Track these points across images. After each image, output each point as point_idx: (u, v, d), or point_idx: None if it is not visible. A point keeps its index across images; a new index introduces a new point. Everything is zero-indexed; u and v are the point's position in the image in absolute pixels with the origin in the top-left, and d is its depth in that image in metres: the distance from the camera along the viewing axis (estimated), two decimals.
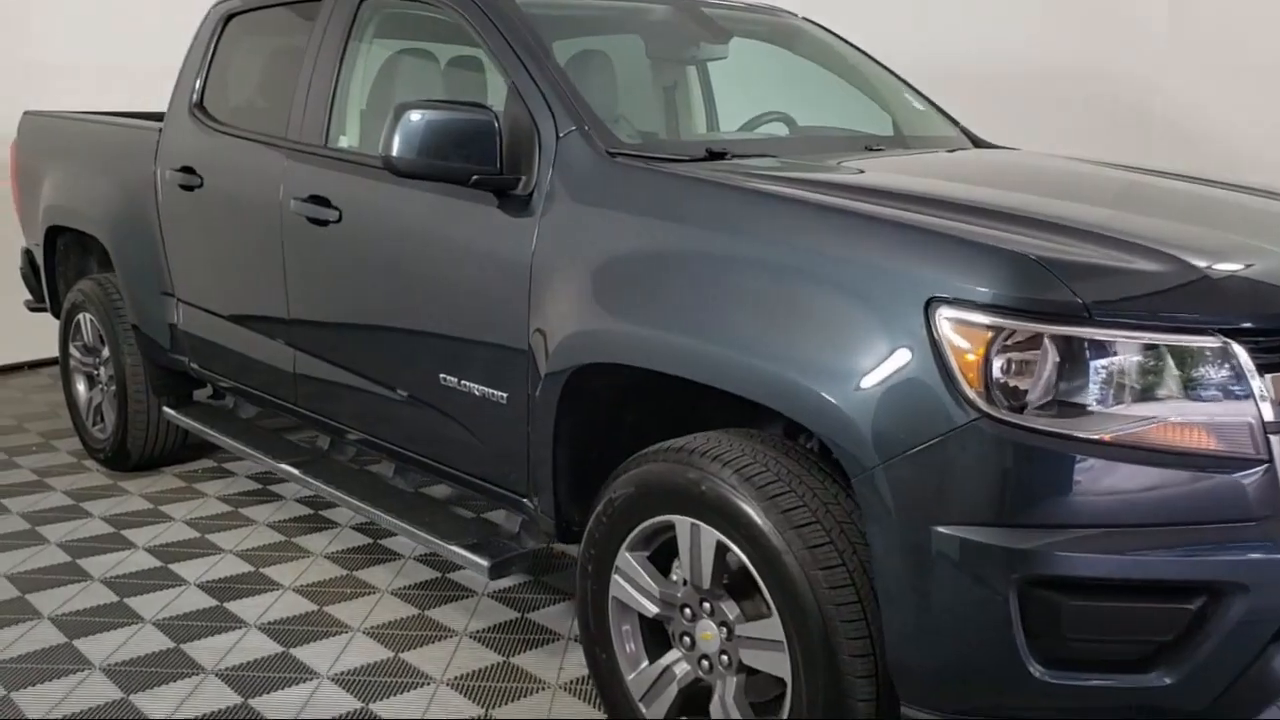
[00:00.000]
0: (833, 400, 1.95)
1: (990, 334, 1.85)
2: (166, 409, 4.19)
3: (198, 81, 3.99)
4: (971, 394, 1.85)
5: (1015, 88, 4.97)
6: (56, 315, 4.87)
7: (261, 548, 3.76)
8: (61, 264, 4.84)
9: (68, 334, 4.68)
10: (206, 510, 4.11)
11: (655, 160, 2.54)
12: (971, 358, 1.85)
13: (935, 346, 1.88)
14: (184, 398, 4.38)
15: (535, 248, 2.58)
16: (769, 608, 2.12)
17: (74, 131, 4.63)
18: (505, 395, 2.72)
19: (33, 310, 5.22)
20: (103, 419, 4.56)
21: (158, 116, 4.18)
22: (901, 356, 1.91)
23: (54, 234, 4.70)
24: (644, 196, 2.43)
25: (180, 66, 4.09)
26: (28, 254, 5.13)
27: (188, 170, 3.83)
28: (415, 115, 2.60)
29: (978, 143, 3.60)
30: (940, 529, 1.86)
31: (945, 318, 1.88)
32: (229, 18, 3.99)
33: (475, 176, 2.62)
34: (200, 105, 3.96)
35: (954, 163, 3.15)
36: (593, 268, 2.45)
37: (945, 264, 1.93)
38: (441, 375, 2.89)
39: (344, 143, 3.37)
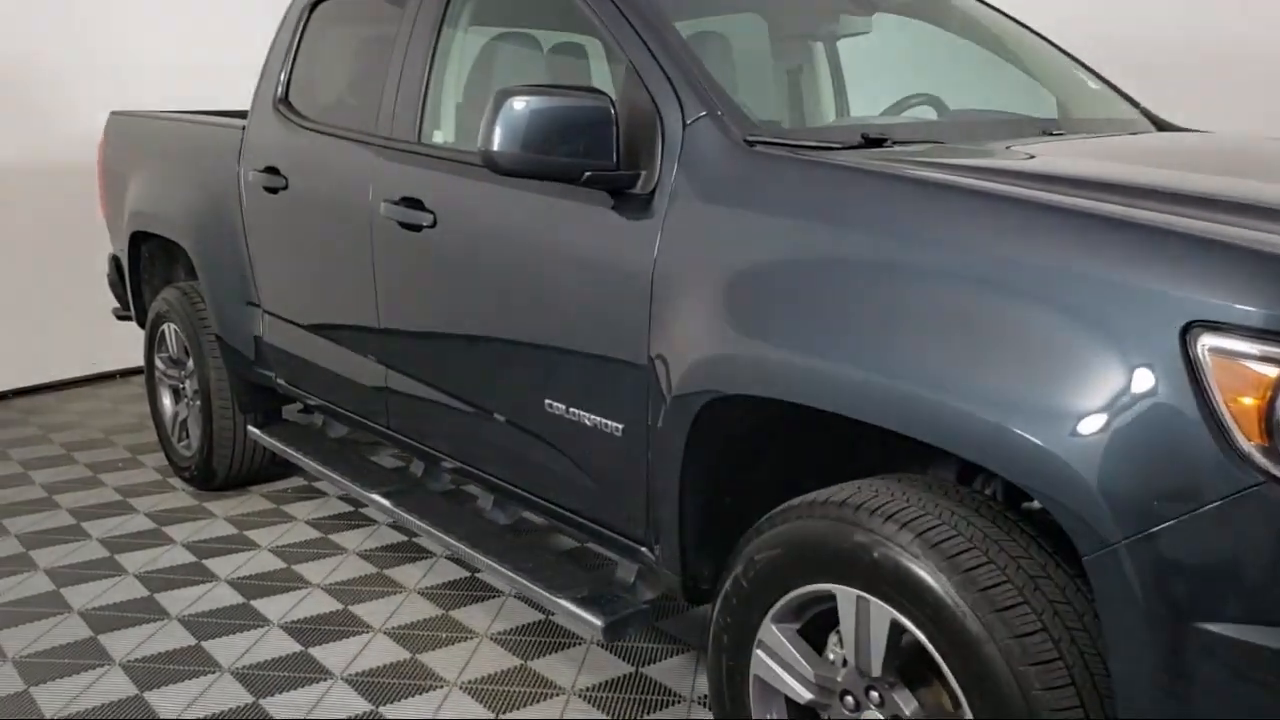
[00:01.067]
0: (1059, 455, 1.52)
1: (1276, 370, 1.40)
2: (252, 428, 3.91)
3: (282, 75, 3.69)
4: (1250, 449, 1.41)
5: (1188, 65, 4.41)
6: (142, 325, 4.65)
7: (350, 581, 3.45)
8: (147, 271, 4.61)
9: (153, 345, 4.45)
10: (294, 536, 3.82)
11: (805, 150, 2.13)
12: (1249, 401, 1.41)
13: (1197, 385, 1.44)
14: (272, 414, 4.10)
15: (657, 256, 2.19)
16: (957, 704, 1.70)
17: (158, 132, 4.39)
18: (620, 426, 2.34)
19: (120, 319, 5.03)
20: (188, 435, 4.31)
21: (244, 114, 3.91)
22: (1151, 398, 1.47)
23: (139, 240, 4.48)
24: (793, 194, 2.02)
25: (264, 59, 3.81)
26: (114, 260, 4.93)
27: (272, 171, 3.54)
28: (518, 103, 2.23)
29: (1161, 125, 3.10)
30: (1209, 627, 1.42)
31: (1210, 348, 1.44)
32: (314, 5, 3.69)
33: (588, 173, 2.24)
34: (285, 100, 3.66)
35: (1155, 148, 2.65)
36: (729, 280, 2.04)
37: (1207, 276, 1.48)
38: (547, 401, 2.53)
39: (438, 139, 3.02)
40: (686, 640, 3.05)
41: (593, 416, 2.40)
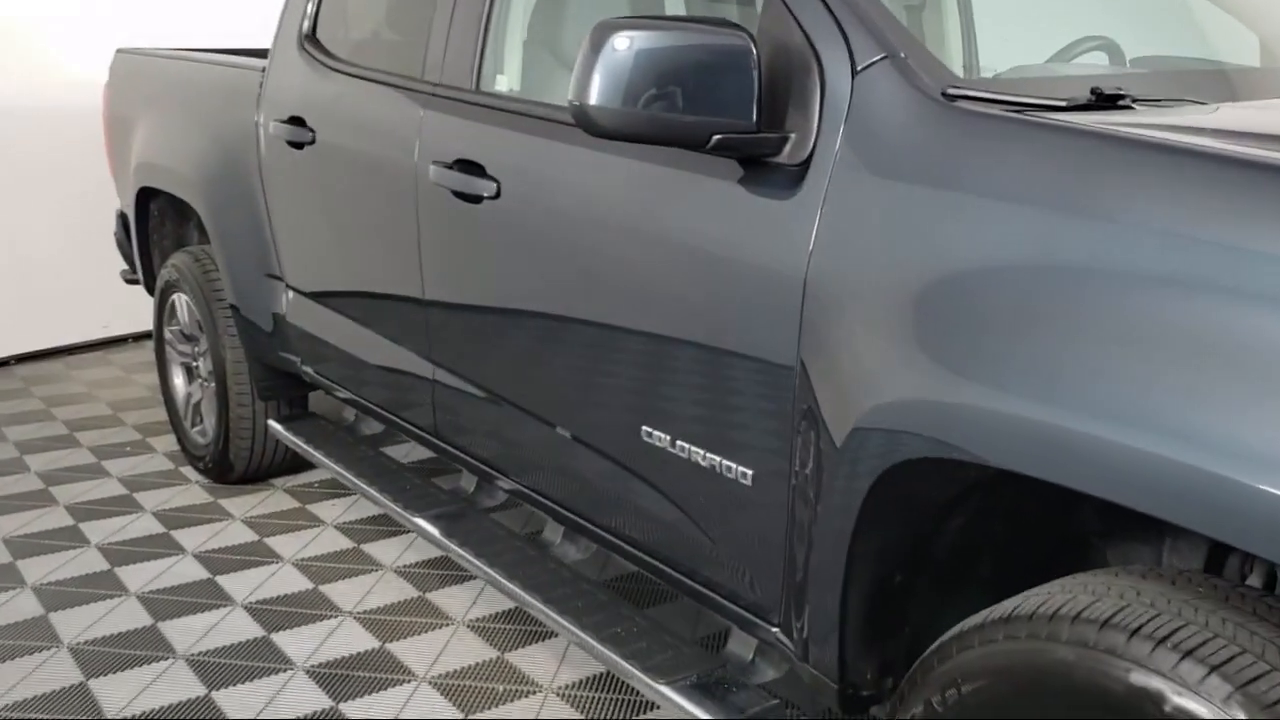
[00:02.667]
0: None
1: None
2: (273, 423, 3.38)
3: (309, 6, 3.11)
4: None
5: None
6: (151, 291, 4.12)
7: (389, 608, 2.93)
8: (156, 232, 4.07)
9: (162, 316, 3.91)
10: (322, 546, 3.30)
11: (1034, 110, 1.53)
12: None
13: None
14: (297, 402, 3.57)
15: (813, 250, 1.61)
16: None
17: (166, 73, 3.82)
18: (750, 473, 1.78)
19: (128, 283, 4.50)
20: (202, 419, 3.80)
21: (262, 54, 3.33)
22: None
23: (146, 196, 3.92)
24: (1029, 171, 1.42)
25: None
26: (122, 218, 4.39)
27: (296, 122, 2.96)
28: (623, 40, 1.64)
29: None
30: None
31: None
32: None
33: (716, 136, 1.66)
34: (312, 38, 3.08)
35: None
36: (928, 291, 1.46)
37: None
38: (645, 428, 1.97)
39: (501, 86, 2.44)
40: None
41: (710, 455, 1.84)
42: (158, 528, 3.44)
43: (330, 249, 2.96)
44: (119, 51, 4.16)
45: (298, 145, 2.95)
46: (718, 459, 1.83)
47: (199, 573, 3.15)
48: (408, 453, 3.85)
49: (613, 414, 2.06)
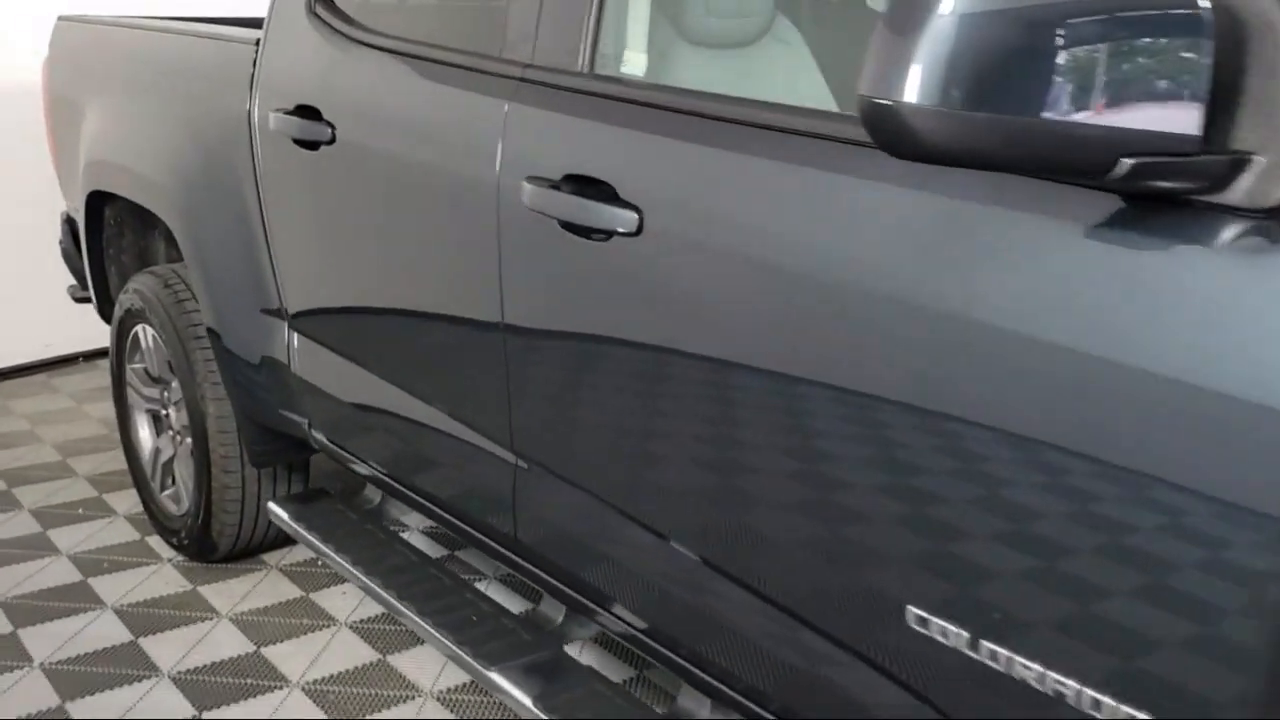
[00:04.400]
0: None
1: None
2: (275, 507, 2.60)
3: None
4: None
5: None
6: (105, 317, 3.34)
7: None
8: (112, 244, 3.28)
9: (121, 351, 3.13)
10: (336, 659, 2.56)
11: None
12: None
13: None
14: (299, 468, 2.82)
15: None
16: None
17: (125, 47, 3.02)
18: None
19: (77, 301, 3.70)
20: (175, 482, 3.03)
21: (256, 23, 2.56)
22: None
23: (99, 200, 3.13)
24: None
25: None
26: (68, 223, 3.59)
27: (308, 113, 2.20)
28: (969, 5, 0.93)
29: None
30: None
31: None
32: None
33: (1131, 162, 0.95)
34: (329, 2, 2.31)
35: None
36: None
37: None
38: (913, 609, 1.26)
39: (630, 69, 1.70)
40: None
41: (1066, 683, 1.13)
42: (121, 633, 2.67)
43: (357, 284, 2.21)
44: (61, 19, 3.35)
45: (310, 144, 2.19)
46: (1093, 695, 1.12)
47: (179, 705, 2.39)
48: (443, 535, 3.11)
49: (849, 580, 1.34)
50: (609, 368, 1.63)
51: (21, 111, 4.08)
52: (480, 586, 2.68)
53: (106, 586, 2.89)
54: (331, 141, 2.13)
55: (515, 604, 2.72)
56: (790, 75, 1.85)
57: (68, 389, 4.46)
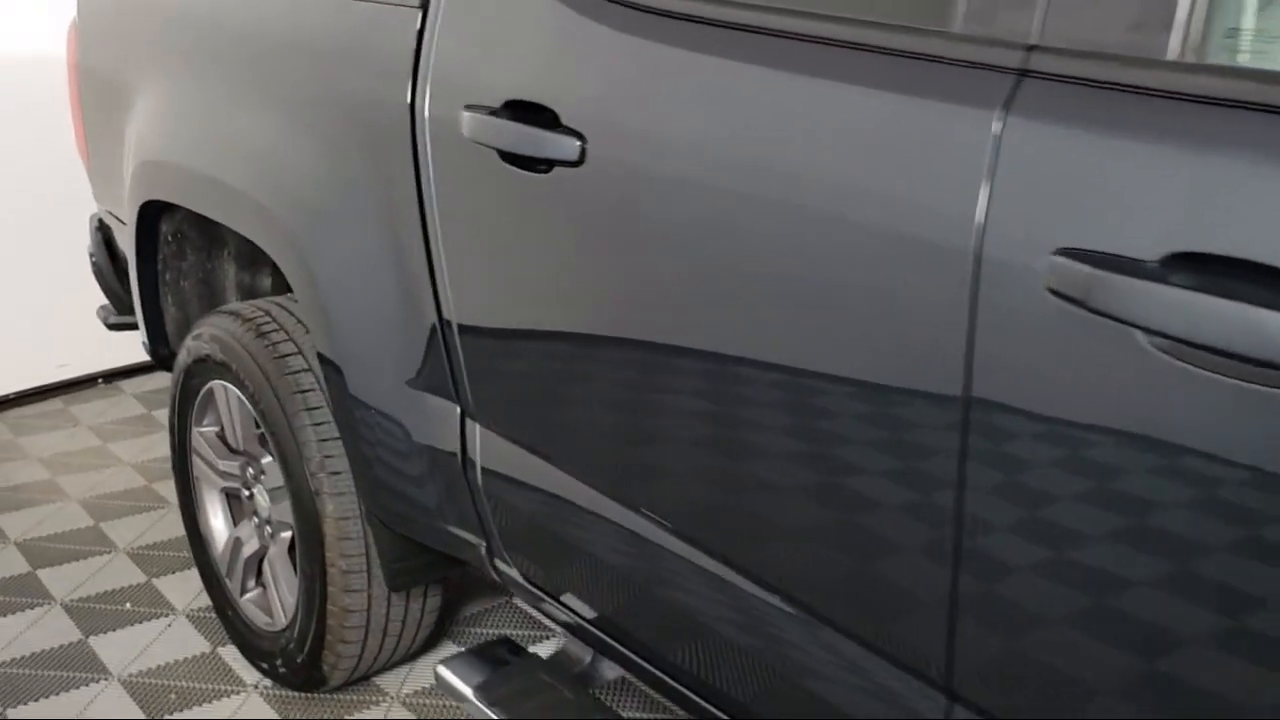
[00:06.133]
0: None
1: None
2: (444, 670, 1.82)
3: None
4: None
5: None
6: (158, 361, 2.59)
7: None
8: (170, 266, 2.51)
9: (187, 412, 2.38)
10: None
11: None
12: None
13: None
14: (450, 590, 2.10)
15: None
16: None
17: (200, 7, 2.23)
18: None
19: (111, 328, 2.95)
20: (261, 585, 2.30)
21: None
22: None
23: (154, 210, 2.37)
24: None
25: None
26: (100, 229, 2.83)
27: (531, 115, 1.45)
28: None
29: None
30: None
31: None
32: None
33: None
34: None
35: None
36: None
37: None
38: None
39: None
40: None
41: None
42: None
43: (610, 377, 1.46)
44: None
45: (534, 163, 1.44)
46: None
47: None
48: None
49: None
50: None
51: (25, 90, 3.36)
52: None
53: None
54: (579, 162, 1.38)
55: None
56: None
57: (88, 419, 3.70)
